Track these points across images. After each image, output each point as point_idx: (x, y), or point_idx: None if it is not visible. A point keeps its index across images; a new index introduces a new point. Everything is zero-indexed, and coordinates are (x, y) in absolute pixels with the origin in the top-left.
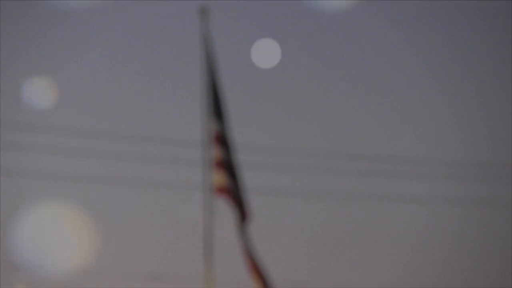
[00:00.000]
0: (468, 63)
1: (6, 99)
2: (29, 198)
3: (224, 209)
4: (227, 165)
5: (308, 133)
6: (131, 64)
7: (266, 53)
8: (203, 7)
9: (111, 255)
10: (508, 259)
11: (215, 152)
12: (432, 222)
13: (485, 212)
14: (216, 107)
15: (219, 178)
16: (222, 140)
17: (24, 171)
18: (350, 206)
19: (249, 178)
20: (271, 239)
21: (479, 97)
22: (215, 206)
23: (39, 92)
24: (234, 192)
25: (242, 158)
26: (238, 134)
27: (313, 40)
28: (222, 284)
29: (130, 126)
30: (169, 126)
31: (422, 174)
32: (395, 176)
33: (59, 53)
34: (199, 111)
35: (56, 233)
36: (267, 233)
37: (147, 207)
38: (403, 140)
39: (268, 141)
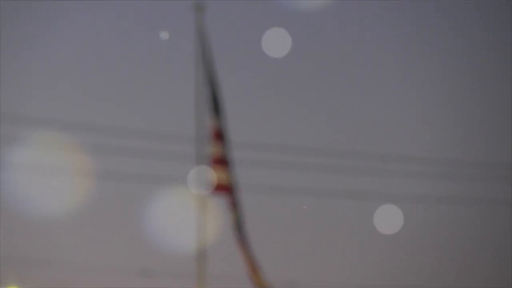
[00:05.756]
0: (465, 62)
1: None
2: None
3: (220, 206)
4: (226, 162)
5: (303, 131)
6: (126, 59)
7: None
8: (198, 5)
9: (103, 250)
10: (505, 258)
11: (215, 148)
12: (428, 221)
13: (482, 211)
14: (214, 103)
15: (218, 174)
16: (221, 136)
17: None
18: (346, 204)
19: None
20: (267, 237)
21: (477, 97)
22: (208, 203)
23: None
24: (232, 190)
25: (238, 155)
26: (234, 131)
27: (304, 38)
28: (213, 282)
29: (123, 120)
30: (164, 121)
31: (419, 173)
32: (391, 175)
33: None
34: (194, 106)
35: None
36: (263, 231)
37: (140, 201)
38: (399, 139)
39: (262, 138)
